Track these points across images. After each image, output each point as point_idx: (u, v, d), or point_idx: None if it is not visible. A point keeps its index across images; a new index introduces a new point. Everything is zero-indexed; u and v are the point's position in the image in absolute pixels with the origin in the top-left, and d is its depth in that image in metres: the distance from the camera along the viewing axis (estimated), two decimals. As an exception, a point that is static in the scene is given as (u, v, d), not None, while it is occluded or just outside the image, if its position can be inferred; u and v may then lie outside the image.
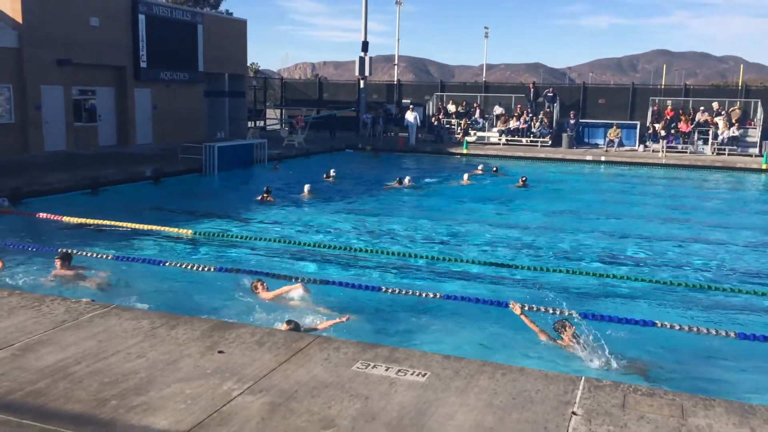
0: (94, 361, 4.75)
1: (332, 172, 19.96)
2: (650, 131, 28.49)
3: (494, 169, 22.02)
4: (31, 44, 20.20)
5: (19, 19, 19.90)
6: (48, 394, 4.22)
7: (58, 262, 9.12)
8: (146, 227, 12.08)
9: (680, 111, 28.78)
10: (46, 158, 19.60)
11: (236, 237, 12.11)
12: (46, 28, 20.58)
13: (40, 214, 12.82)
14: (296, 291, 8.48)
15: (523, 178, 19.50)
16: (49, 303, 5.97)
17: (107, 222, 12.19)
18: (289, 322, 6.67)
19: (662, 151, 26.84)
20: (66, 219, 12.48)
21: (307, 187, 16.80)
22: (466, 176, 20.47)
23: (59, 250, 9.61)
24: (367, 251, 11.17)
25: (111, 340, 5.15)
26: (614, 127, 28.83)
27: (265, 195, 15.74)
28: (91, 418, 3.94)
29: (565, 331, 7.03)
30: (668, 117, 28.41)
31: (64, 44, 21.10)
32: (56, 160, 19.34)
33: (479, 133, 30.46)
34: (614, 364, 6.58)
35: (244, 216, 14.44)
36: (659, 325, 7.76)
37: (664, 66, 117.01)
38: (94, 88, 23.43)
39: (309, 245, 11.62)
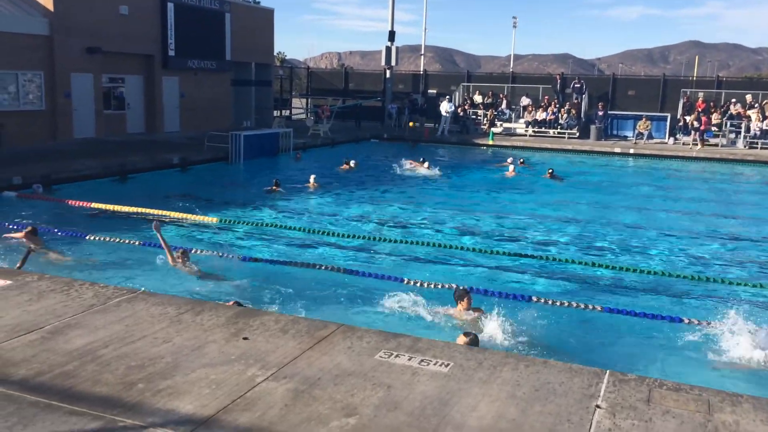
0: (122, 344, 4.83)
1: (352, 162, 20.13)
2: (681, 123, 28.02)
3: (521, 161, 21.81)
4: (62, 32, 20.47)
5: (50, 6, 20.17)
6: (76, 377, 4.30)
7: (23, 234, 9.65)
8: (172, 214, 12.25)
9: (711, 103, 28.26)
10: (75, 145, 19.88)
11: (264, 225, 12.19)
12: (76, 17, 20.82)
13: (70, 200, 13.05)
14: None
15: (550, 170, 19.33)
16: (77, 287, 6.07)
17: (133, 209, 12.35)
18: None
19: (700, 144, 26.40)
20: (95, 205, 12.68)
21: (312, 178, 16.59)
22: (511, 167, 20.33)
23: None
24: (392, 241, 11.18)
25: (138, 324, 5.22)
26: (644, 119, 28.38)
27: (274, 187, 15.77)
28: (119, 400, 4.01)
29: (462, 301, 7.32)
30: (699, 109, 27.92)
31: (93, 32, 21.34)
32: (85, 147, 19.60)
33: (505, 125, 30.23)
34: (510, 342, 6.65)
35: (250, 206, 14.43)
36: (686, 321, 7.68)
37: (696, 57, 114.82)
38: (123, 76, 23.68)
39: (321, 233, 11.65)
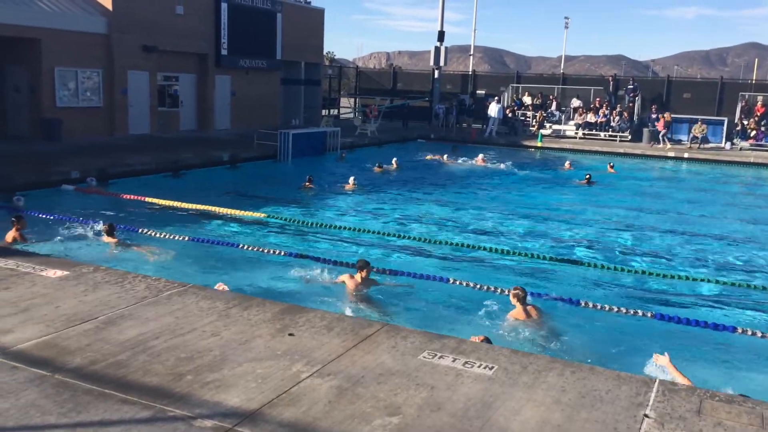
0: (172, 336, 4.95)
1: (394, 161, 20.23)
2: (738, 128, 27.18)
3: (610, 165, 21.62)
4: (120, 30, 21.06)
5: (108, 5, 20.76)
6: (128, 366, 4.43)
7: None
8: (220, 210, 12.47)
9: (772, 107, 27.30)
10: (131, 141, 20.42)
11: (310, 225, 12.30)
12: (133, 15, 21.40)
13: (123, 194, 13.42)
14: None
15: (588, 176, 18.95)
16: (131, 279, 6.24)
17: (185, 204, 12.63)
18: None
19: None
20: (148, 200, 13.01)
21: (351, 179, 16.35)
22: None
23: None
24: (431, 242, 11.16)
25: (188, 317, 5.34)
26: (699, 122, 27.60)
27: (306, 183, 15.73)
28: (168, 391, 4.11)
29: (362, 270, 8.03)
30: (758, 114, 27.02)
31: (150, 31, 21.90)
32: (140, 143, 20.12)
33: (555, 126, 29.82)
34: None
35: (278, 201, 14.50)
36: (740, 331, 7.44)
37: (756, 60, 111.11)
38: (178, 74, 24.22)
39: (355, 230, 11.69)
